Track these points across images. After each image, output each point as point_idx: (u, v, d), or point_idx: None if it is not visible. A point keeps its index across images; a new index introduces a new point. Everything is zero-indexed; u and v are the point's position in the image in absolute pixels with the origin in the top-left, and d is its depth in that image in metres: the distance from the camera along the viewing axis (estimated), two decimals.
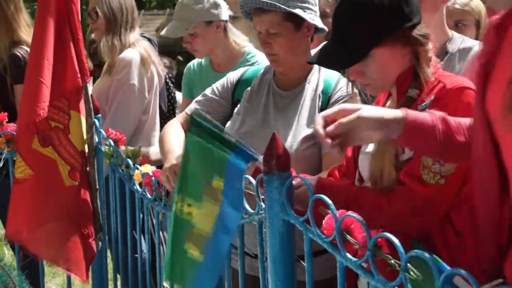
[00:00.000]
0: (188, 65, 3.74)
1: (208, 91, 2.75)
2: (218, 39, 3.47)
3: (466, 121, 1.74)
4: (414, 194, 1.85)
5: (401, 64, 1.98)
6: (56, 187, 3.00)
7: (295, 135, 2.48)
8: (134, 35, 3.82)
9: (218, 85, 2.75)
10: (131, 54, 3.73)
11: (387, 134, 1.68)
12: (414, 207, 1.86)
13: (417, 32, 1.96)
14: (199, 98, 2.76)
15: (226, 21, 3.47)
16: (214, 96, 2.72)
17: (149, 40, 4.25)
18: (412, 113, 1.71)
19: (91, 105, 3.07)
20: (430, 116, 1.71)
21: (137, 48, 3.77)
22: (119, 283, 3.25)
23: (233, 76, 2.75)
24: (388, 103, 2.13)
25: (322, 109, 2.53)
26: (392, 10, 1.92)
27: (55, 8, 2.95)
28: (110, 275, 3.41)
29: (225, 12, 3.46)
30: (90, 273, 3.15)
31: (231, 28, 3.53)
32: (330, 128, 1.66)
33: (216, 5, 3.42)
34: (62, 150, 3.02)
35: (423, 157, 1.87)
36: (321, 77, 2.59)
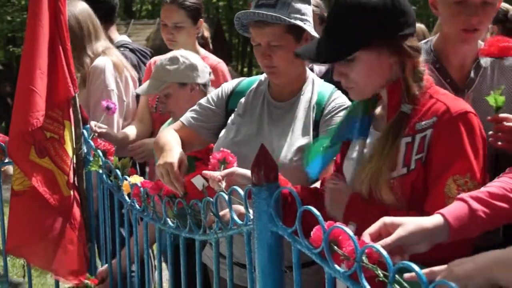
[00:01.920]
0: None
1: (203, 101, 2.75)
2: (192, 102, 3.16)
3: (498, 185, 1.76)
4: None
5: (386, 72, 1.98)
6: (57, 198, 3.01)
7: (290, 146, 2.49)
8: (102, 44, 3.76)
9: (213, 94, 2.75)
10: (103, 61, 3.69)
11: (434, 242, 1.65)
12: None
13: (407, 43, 1.96)
14: (194, 107, 2.76)
15: (204, 84, 3.28)
16: (209, 105, 2.72)
17: (132, 50, 4.23)
18: (450, 212, 1.68)
19: (79, 116, 3.07)
20: (465, 204, 1.71)
21: (108, 56, 3.75)
22: None
23: (227, 86, 2.76)
24: (379, 109, 2.13)
25: (316, 120, 2.54)
26: (386, 15, 1.93)
27: (47, 18, 2.95)
28: None
29: (202, 76, 3.29)
30: None
31: (211, 92, 3.23)
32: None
33: (192, 68, 3.26)
34: (59, 160, 3.02)
35: (446, 188, 1.86)
36: (315, 89, 2.60)
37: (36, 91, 2.90)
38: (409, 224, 1.62)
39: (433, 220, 1.67)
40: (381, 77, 1.99)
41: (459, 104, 1.95)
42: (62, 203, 3.03)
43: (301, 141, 2.48)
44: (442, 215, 1.67)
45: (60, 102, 3.03)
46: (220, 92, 2.74)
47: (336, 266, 1.46)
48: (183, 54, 3.29)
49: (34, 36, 2.94)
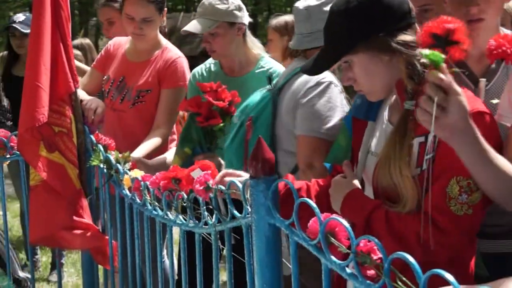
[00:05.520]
0: (192, 72, 3.66)
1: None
2: (237, 42, 3.47)
3: None
4: (447, 232, 1.80)
5: (385, 72, 1.95)
6: (69, 191, 3.05)
7: None
8: None
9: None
10: None
11: None
12: (446, 244, 1.83)
13: (397, 39, 1.92)
14: None
15: (246, 25, 3.48)
16: None
17: None
18: None
19: (80, 111, 3.09)
20: None
21: None
22: None
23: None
24: (394, 97, 2.08)
25: None
26: (364, 18, 1.93)
27: (49, 14, 2.97)
28: (101, 278, 3.42)
29: (246, 17, 3.47)
30: (81, 277, 3.17)
31: (249, 34, 3.53)
32: None
33: (240, 8, 3.43)
34: (69, 154, 3.06)
35: (448, 188, 1.81)
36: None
37: (41, 87, 2.93)
38: None
39: None
40: (381, 77, 1.97)
41: (474, 104, 1.88)
42: (75, 195, 3.07)
43: None
44: None
45: (64, 96, 3.06)
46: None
47: (333, 257, 1.48)
48: None
49: (38, 33, 2.96)
